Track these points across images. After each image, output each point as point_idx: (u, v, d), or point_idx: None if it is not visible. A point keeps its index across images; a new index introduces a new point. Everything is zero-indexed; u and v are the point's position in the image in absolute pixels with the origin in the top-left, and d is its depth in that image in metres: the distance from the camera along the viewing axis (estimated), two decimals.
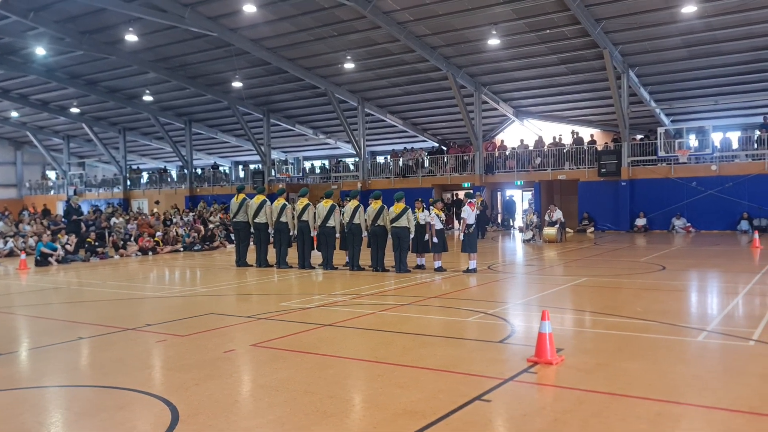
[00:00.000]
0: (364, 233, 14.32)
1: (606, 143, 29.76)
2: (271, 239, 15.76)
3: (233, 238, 18.26)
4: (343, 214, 14.69)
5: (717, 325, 7.89)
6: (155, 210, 31.94)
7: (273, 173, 37.13)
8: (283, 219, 15.21)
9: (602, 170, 27.70)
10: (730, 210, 25.36)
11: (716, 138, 26.77)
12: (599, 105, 30.49)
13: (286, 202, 15.57)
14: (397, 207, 13.68)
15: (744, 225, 24.83)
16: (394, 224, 13.60)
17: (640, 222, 26.87)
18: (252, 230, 15.93)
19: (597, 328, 7.87)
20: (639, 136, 29.41)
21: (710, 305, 9.71)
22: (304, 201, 15.14)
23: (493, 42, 24.39)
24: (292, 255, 15.84)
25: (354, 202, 14.48)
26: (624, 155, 27.27)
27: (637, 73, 26.83)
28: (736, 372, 5.84)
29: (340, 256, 15.57)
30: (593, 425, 4.58)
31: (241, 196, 16.14)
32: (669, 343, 7.01)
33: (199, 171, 43.09)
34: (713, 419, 4.72)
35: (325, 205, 14.78)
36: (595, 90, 28.83)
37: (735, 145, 27.11)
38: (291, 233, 15.40)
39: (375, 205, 14.12)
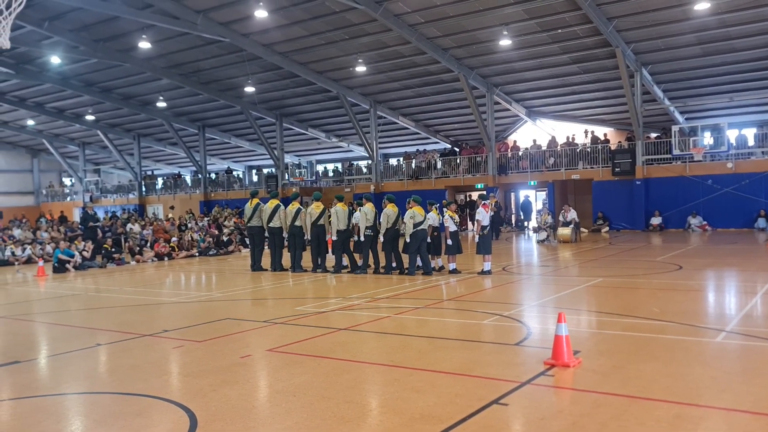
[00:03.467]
0: (380, 237, 14.31)
1: (620, 142, 29.53)
2: (286, 243, 15.82)
3: (248, 242, 18.33)
4: (358, 218, 14.72)
5: (736, 325, 7.80)
6: (170, 215, 32.14)
7: (287, 177, 37.24)
8: (297, 223, 15.27)
9: (616, 169, 27.51)
10: (747, 208, 25.08)
11: (731, 135, 26.48)
12: (612, 104, 30.29)
13: (301, 206, 15.63)
14: (419, 210, 13.70)
15: (761, 223, 24.54)
16: (419, 227, 13.59)
17: (656, 221, 26.65)
18: (266, 234, 15.98)
19: (614, 329, 7.81)
20: (653, 135, 29.18)
21: (728, 305, 9.60)
22: (320, 205, 15.16)
23: (505, 43, 24.32)
24: (305, 258, 15.90)
25: (370, 205, 14.51)
26: (638, 154, 27.07)
27: (650, 71, 26.63)
28: (757, 373, 5.77)
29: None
30: (612, 429, 4.54)
31: (255, 200, 16.20)
32: (687, 344, 6.95)
33: (213, 176, 43.32)
34: (734, 422, 4.66)
35: (344, 208, 14.82)
36: (608, 89, 28.64)
37: (751, 142, 26.82)
38: (305, 237, 15.45)
39: (393, 208, 14.13)
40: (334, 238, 14.70)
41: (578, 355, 6.31)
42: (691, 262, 14.79)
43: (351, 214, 15.04)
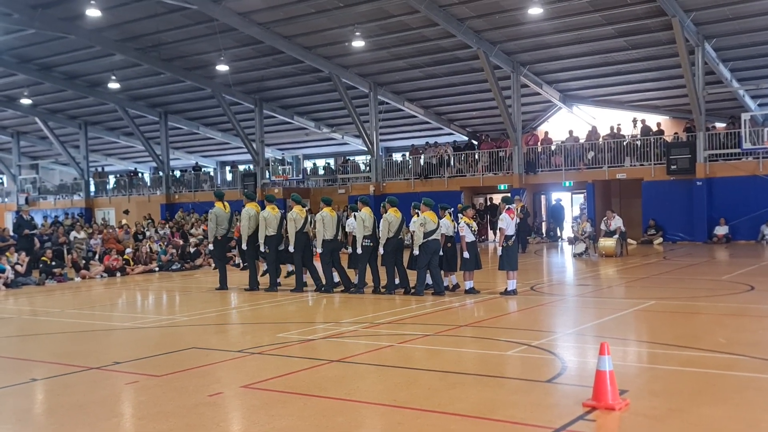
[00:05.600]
0: (380, 249, 14.27)
1: (676, 134, 29.51)
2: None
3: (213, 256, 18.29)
4: (353, 225, 14.70)
5: None
6: (124, 221, 32.12)
7: (267, 175, 37.29)
8: (270, 232, 15.25)
9: (672, 167, 27.49)
10: None
11: None
12: (667, 86, 30.29)
13: (282, 211, 15.68)
14: (431, 215, 13.69)
15: None
16: (431, 237, 13.57)
17: (721, 231, 26.62)
18: (239, 246, 16.07)
19: (669, 364, 7.79)
20: (718, 125, 29.14)
21: None
22: (302, 210, 15.15)
23: (535, 11, 24.32)
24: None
25: (367, 210, 14.50)
26: (699, 148, 27.05)
27: (715, 46, 26.62)
28: None
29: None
30: None
31: (227, 205, 16.27)
32: (762, 383, 6.92)
33: (177, 173, 43.36)
34: None
35: (332, 214, 14.80)
36: (663, 68, 28.64)
37: None
38: (288, 248, 15.44)
39: (395, 213, 14.10)
40: (320, 249, 14.66)
41: (625, 396, 6.28)
42: (765, 281, 14.73)
43: (340, 220, 15.07)
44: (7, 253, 19.61)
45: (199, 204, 38.44)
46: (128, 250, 22.38)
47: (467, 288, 13.93)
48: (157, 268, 21.96)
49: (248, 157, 39.64)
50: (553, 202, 32.70)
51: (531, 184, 31.39)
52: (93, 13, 25.71)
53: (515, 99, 30.17)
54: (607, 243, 21.89)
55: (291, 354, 8.73)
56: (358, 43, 28.06)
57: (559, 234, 31.33)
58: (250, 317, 12.44)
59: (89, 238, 23.45)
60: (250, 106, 36.95)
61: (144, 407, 6.62)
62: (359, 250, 14.33)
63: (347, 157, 39.97)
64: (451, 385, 6.99)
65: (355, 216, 14.71)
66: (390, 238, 14.04)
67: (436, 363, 8.04)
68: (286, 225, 15.07)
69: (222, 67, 30.86)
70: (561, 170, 30.50)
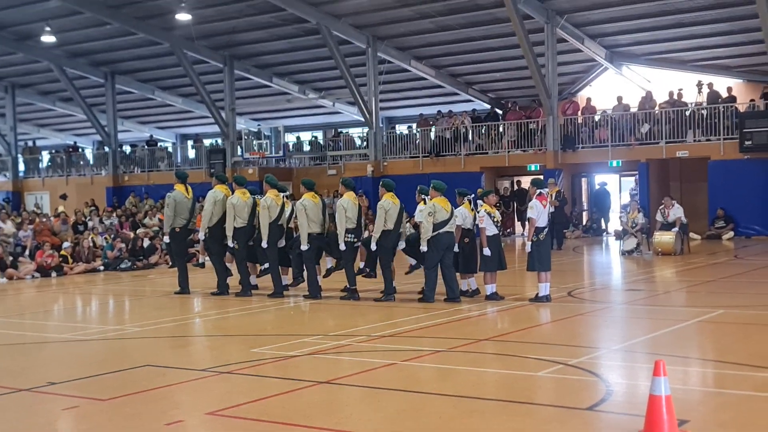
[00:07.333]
0: (374, 244, 14.26)
1: (752, 101, 29.36)
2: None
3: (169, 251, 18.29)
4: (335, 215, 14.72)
5: None
6: (61, 209, 32.14)
7: (239, 151, 37.21)
8: (240, 224, 15.16)
9: (746, 143, 27.39)
10: None
11: None
12: (741, 42, 30.11)
13: (254, 197, 15.61)
14: (442, 202, 13.66)
15: None
16: (443, 229, 13.55)
17: None
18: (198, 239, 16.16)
19: (741, 387, 7.78)
20: None
21: None
22: (278, 196, 15.06)
23: None
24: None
25: (350, 196, 14.49)
26: None
27: None
28: None
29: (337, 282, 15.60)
30: None
31: (189, 190, 16.17)
32: None
33: (127, 149, 43.29)
34: None
35: (315, 201, 14.75)
36: (735, 18, 28.45)
37: None
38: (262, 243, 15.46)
39: (392, 199, 14.07)
40: (304, 247, 14.55)
41: (685, 427, 6.28)
42: None
43: (326, 208, 15.06)
44: None
45: (153, 187, 38.41)
46: (66, 245, 22.36)
47: (488, 293, 13.91)
48: (101, 267, 21.95)
49: (215, 129, 39.53)
50: (597, 187, 32.65)
51: (569, 164, 31.30)
52: None
53: (550, 57, 30.01)
54: (664, 238, 21.86)
55: (267, 374, 8.74)
56: None
57: (603, 226, 31.28)
58: (216, 328, 12.43)
59: (17, 230, 23.44)
60: (218, 65, 36.82)
61: None
62: (342, 246, 14.27)
63: (339, 130, 39.88)
64: (467, 413, 6.99)
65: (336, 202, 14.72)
66: (388, 231, 14.00)
67: (448, 386, 8.04)
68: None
69: (183, 16, 30.76)
70: (607, 147, 30.38)
